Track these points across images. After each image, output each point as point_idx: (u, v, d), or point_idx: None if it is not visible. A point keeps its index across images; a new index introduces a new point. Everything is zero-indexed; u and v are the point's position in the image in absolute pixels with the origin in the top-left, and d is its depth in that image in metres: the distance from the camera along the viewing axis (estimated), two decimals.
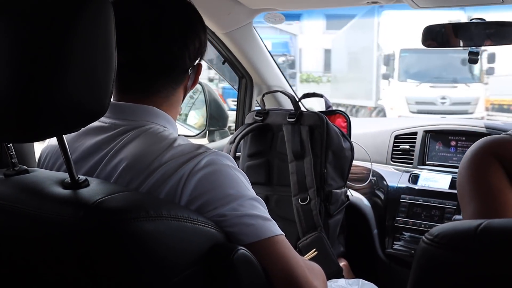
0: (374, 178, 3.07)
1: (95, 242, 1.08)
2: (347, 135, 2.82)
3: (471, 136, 2.96)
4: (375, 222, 2.99)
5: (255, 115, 2.82)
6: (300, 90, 21.84)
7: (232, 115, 3.37)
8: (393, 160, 3.15)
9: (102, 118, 1.39)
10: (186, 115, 3.22)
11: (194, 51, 1.52)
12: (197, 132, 3.11)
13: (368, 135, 3.25)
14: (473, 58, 2.63)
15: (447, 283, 0.89)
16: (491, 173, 1.33)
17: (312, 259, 1.94)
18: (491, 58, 15.43)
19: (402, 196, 2.93)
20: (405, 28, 15.00)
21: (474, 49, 2.60)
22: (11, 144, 1.33)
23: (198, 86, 2.97)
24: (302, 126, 2.62)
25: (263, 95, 2.94)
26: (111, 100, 1.20)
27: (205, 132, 3.09)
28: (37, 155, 1.69)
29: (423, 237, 0.93)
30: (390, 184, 3.01)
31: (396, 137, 3.17)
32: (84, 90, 1.11)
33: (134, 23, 1.43)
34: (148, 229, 1.11)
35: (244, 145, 2.84)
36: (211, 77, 12.05)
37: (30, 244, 1.17)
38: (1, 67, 1.07)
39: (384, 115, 16.60)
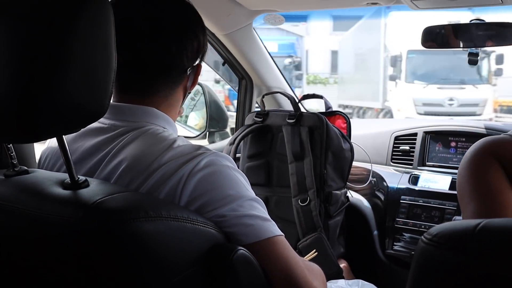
0: (374, 179, 3.06)
1: (94, 242, 1.08)
2: (347, 136, 2.82)
3: (471, 137, 2.96)
4: (375, 223, 2.99)
5: (255, 116, 2.82)
6: (307, 91, 21.78)
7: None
8: (393, 161, 3.15)
9: (102, 119, 1.40)
10: (187, 117, 3.22)
11: (192, 51, 1.52)
12: (198, 133, 3.11)
13: (368, 136, 3.25)
14: (473, 59, 2.63)
15: (446, 283, 0.89)
16: (491, 174, 1.33)
17: (312, 260, 1.94)
18: (500, 59, 15.38)
19: (402, 197, 2.93)
20: (412, 29, 14.94)
21: (473, 50, 2.60)
22: (11, 144, 1.33)
23: (198, 87, 2.98)
24: (302, 127, 2.62)
25: (263, 96, 2.95)
26: (111, 101, 1.20)
27: (205, 133, 3.09)
28: (37, 156, 1.69)
29: (422, 237, 0.94)
30: (390, 185, 3.01)
31: (396, 138, 3.17)
32: (84, 91, 1.11)
33: (132, 23, 1.43)
34: (147, 229, 1.11)
35: (244, 146, 2.84)
36: (218, 79, 12.08)
37: (30, 245, 1.18)
38: (1, 68, 1.07)
39: (391, 117, 16.51)
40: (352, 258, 2.78)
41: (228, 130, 3.40)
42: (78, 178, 1.19)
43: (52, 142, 1.60)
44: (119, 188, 1.25)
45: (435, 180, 2.93)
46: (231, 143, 2.74)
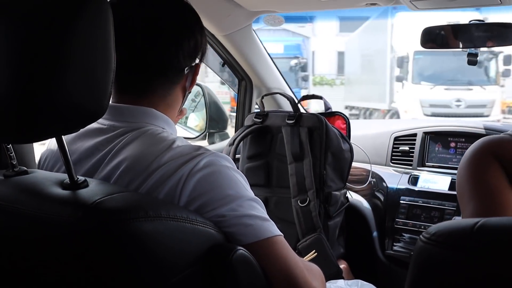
0: (374, 179, 3.07)
1: (94, 242, 1.08)
2: (347, 136, 2.82)
3: (470, 137, 2.97)
4: (375, 223, 2.99)
5: (255, 117, 2.82)
6: (313, 93, 21.69)
7: None
8: (392, 161, 3.15)
9: (101, 120, 1.41)
10: (187, 118, 3.22)
11: (189, 50, 1.51)
12: (198, 134, 3.11)
13: (368, 137, 3.26)
14: (472, 60, 2.62)
15: (444, 281, 0.90)
16: (490, 173, 1.33)
17: (311, 260, 1.93)
18: (508, 60, 15.28)
19: (402, 197, 2.93)
20: (419, 30, 14.80)
21: (473, 50, 2.60)
22: (10, 145, 1.33)
23: (198, 89, 2.98)
24: (301, 128, 2.62)
25: (262, 97, 2.96)
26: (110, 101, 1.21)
27: (205, 134, 3.10)
28: (36, 157, 1.70)
29: (420, 236, 0.94)
30: (389, 185, 3.01)
31: (396, 138, 3.18)
32: (83, 91, 1.11)
33: (129, 23, 1.43)
34: (147, 229, 1.11)
35: (244, 147, 2.84)
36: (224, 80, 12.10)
37: (30, 245, 1.18)
38: (1, 68, 1.08)
39: (398, 118, 16.46)
40: (352, 259, 2.78)
41: (228, 130, 3.40)
42: (78, 178, 1.19)
43: (51, 144, 1.61)
44: (119, 188, 1.25)
45: (434, 181, 2.93)
46: (231, 144, 2.74)
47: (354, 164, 2.80)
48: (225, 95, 14.62)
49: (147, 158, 1.34)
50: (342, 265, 2.61)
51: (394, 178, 3.05)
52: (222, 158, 1.38)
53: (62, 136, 1.17)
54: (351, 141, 2.79)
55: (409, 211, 2.88)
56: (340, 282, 2.20)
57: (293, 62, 18.90)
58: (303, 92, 18.45)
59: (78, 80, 1.10)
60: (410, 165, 3.09)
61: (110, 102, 1.29)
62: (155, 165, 1.32)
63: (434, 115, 15.31)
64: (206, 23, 2.72)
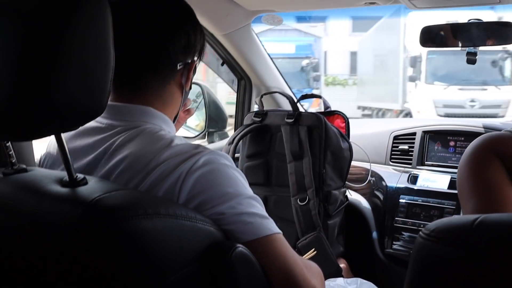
0: (373, 178, 3.07)
1: (93, 240, 1.08)
2: (346, 135, 2.81)
3: (469, 136, 2.96)
4: (374, 222, 2.99)
5: (254, 116, 2.82)
6: (325, 93, 21.60)
7: None
8: (392, 160, 3.15)
9: (99, 119, 1.42)
10: None
11: (180, 46, 1.51)
12: (197, 133, 3.12)
13: (367, 136, 3.26)
14: (471, 59, 2.62)
15: (444, 278, 0.90)
16: (491, 170, 1.33)
17: (311, 259, 1.93)
18: None
19: (401, 196, 2.93)
20: None
21: (472, 49, 2.60)
22: (9, 143, 1.34)
23: (198, 88, 2.99)
24: (301, 127, 2.62)
25: (262, 96, 2.95)
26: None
27: (205, 134, 3.11)
28: (35, 155, 1.70)
29: (420, 232, 0.94)
30: (389, 184, 3.01)
31: (395, 137, 3.17)
32: (83, 89, 1.11)
33: (121, 20, 1.40)
34: (146, 227, 1.11)
35: (243, 146, 2.84)
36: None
37: (29, 242, 1.18)
38: (0, 66, 1.08)
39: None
40: (351, 258, 2.77)
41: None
42: (77, 176, 1.19)
43: (50, 146, 1.62)
44: (118, 186, 1.25)
45: (434, 180, 2.93)
46: (230, 143, 2.74)
47: (353, 163, 2.80)
48: (234, 95, 14.61)
49: (146, 156, 1.34)
50: (342, 264, 2.61)
51: (394, 177, 3.04)
52: (221, 156, 1.39)
53: (61, 134, 1.17)
54: (350, 140, 2.78)
55: (409, 210, 2.88)
56: (340, 280, 2.20)
57: (305, 62, 18.82)
58: (315, 93, 18.44)
59: (77, 78, 1.10)
60: (410, 164, 3.08)
61: None
62: (154, 163, 1.32)
63: (447, 115, 15.08)
64: (205, 23, 2.73)
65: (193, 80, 1.67)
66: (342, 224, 2.80)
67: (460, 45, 2.63)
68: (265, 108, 2.87)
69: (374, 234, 2.98)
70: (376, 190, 3.05)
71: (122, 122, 1.46)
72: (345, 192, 2.81)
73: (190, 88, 1.65)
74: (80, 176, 1.20)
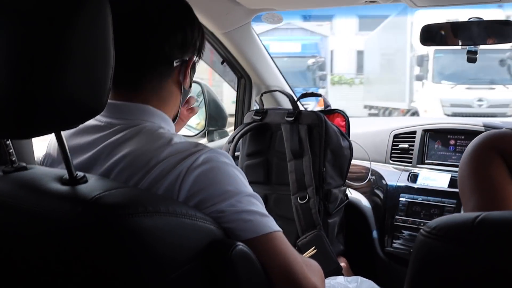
0: (373, 177, 3.07)
1: (93, 238, 1.08)
2: (346, 134, 2.82)
3: (470, 134, 2.96)
4: (374, 221, 2.99)
5: (254, 115, 2.82)
6: (331, 92, 21.56)
7: None
8: (392, 159, 3.15)
9: (98, 117, 1.42)
10: None
11: (176, 43, 1.51)
12: (197, 132, 3.12)
13: (367, 134, 3.25)
14: (472, 57, 2.62)
15: (445, 275, 0.90)
16: (493, 168, 1.32)
17: (311, 257, 1.93)
18: None
19: (401, 195, 2.93)
20: None
21: (472, 48, 2.59)
22: (9, 141, 1.34)
23: (198, 87, 2.99)
24: (301, 125, 2.62)
25: (262, 95, 2.96)
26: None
27: (205, 132, 3.11)
28: (35, 152, 1.70)
29: (421, 230, 0.94)
30: (389, 183, 3.01)
31: (395, 136, 3.17)
32: (83, 87, 1.11)
33: (115, 17, 1.43)
34: (146, 224, 1.11)
35: (243, 145, 2.84)
36: None
37: (29, 240, 1.18)
38: (0, 64, 1.07)
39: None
40: (351, 256, 2.78)
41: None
42: (77, 174, 1.19)
43: (50, 147, 1.62)
44: (118, 184, 1.25)
45: (434, 178, 2.93)
46: (230, 141, 2.74)
47: (353, 161, 2.80)
48: None
49: (146, 154, 1.34)
50: (342, 263, 2.61)
51: (394, 175, 3.04)
52: (220, 155, 1.39)
53: (61, 132, 1.17)
54: (350, 139, 2.78)
55: (409, 209, 2.88)
56: (340, 278, 2.20)
57: (311, 61, 18.73)
58: (321, 92, 18.40)
59: (78, 76, 1.10)
60: (410, 162, 3.08)
61: None
62: (153, 161, 1.32)
63: (455, 114, 14.92)
64: (205, 21, 2.73)
65: (193, 79, 1.67)
66: (342, 223, 2.80)
67: (460, 43, 2.63)
68: (265, 107, 2.87)
69: (374, 233, 2.97)
70: (376, 188, 3.05)
71: (121, 120, 1.46)
72: (345, 190, 2.81)
73: (190, 86, 1.65)
74: (80, 174, 1.20)
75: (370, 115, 20.19)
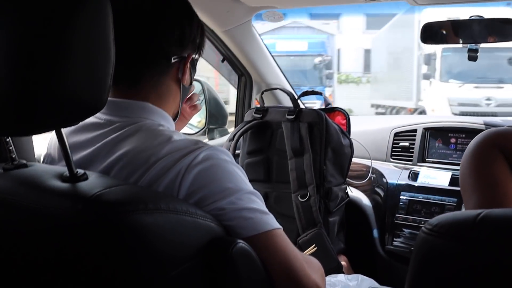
0: (374, 175, 3.07)
1: (93, 235, 1.08)
2: (347, 132, 2.81)
3: (470, 133, 2.96)
4: (375, 219, 2.99)
5: (254, 113, 2.82)
6: (338, 91, 21.54)
7: None
8: (392, 157, 3.15)
9: (98, 114, 1.42)
10: None
11: (173, 39, 1.50)
12: (197, 130, 3.10)
13: (368, 133, 3.26)
14: (472, 55, 2.61)
15: (446, 272, 0.90)
16: (494, 165, 1.31)
17: (312, 255, 1.94)
18: None
19: (402, 193, 2.93)
20: None
21: (473, 46, 2.59)
22: (10, 138, 1.33)
23: (198, 85, 2.99)
24: (302, 123, 2.61)
25: (262, 93, 2.95)
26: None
27: (205, 130, 3.10)
28: (36, 150, 1.70)
29: (422, 228, 0.94)
30: (389, 181, 3.01)
31: (396, 134, 3.17)
32: (83, 84, 1.11)
33: (113, 13, 1.43)
34: (146, 222, 1.11)
35: (244, 143, 2.84)
36: None
37: (29, 237, 1.17)
38: (0, 60, 1.07)
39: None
40: (352, 254, 2.78)
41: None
42: (77, 171, 1.19)
43: (50, 147, 1.62)
44: (118, 181, 1.24)
45: (434, 176, 2.93)
46: (231, 139, 2.74)
47: (354, 159, 2.80)
48: None
49: (146, 152, 1.34)
50: (342, 261, 2.61)
51: (394, 173, 3.04)
52: (220, 152, 1.38)
53: (61, 129, 1.17)
54: (351, 137, 2.78)
55: (409, 207, 2.88)
56: (341, 276, 2.19)
57: (317, 59, 18.70)
58: (327, 91, 18.36)
59: (78, 72, 1.10)
60: (410, 160, 3.08)
61: None
62: (153, 158, 1.32)
63: (463, 113, 14.83)
64: (205, 19, 2.73)
65: (195, 77, 1.66)
66: (342, 221, 2.80)
67: (461, 42, 2.62)
68: (265, 105, 2.87)
69: (375, 231, 2.98)
70: (377, 187, 3.05)
71: (121, 118, 1.46)
72: (345, 189, 2.81)
73: (191, 83, 1.64)
74: (80, 171, 1.20)
75: (377, 114, 20.15)
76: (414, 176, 2.98)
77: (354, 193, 3.04)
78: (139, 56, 1.47)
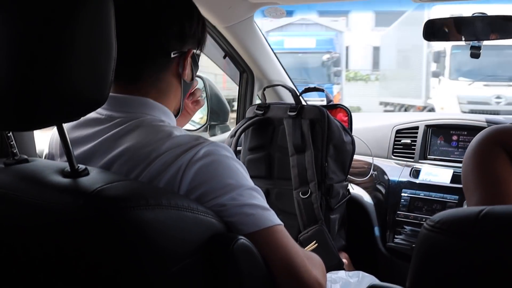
0: (375, 172, 3.07)
1: (94, 230, 1.08)
2: (348, 129, 2.80)
3: (472, 130, 2.95)
4: (376, 216, 2.99)
5: (256, 109, 2.81)
6: (347, 89, 21.48)
7: None
8: (394, 154, 3.14)
9: (99, 110, 1.41)
10: None
11: (172, 35, 1.50)
12: (199, 126, 3.11)
13: (370, 130, 3.25)
14: (475, 53, 2.61)
15: (448, 269, 0.90)
16: (497, 162, 1.31)
17: (313, 252, 1.94)
18: None
19: (403, 190, 2.93)
20: None
21: (476, 43, 2.58)
22: (11, 133, 1.34)
23: (200, 81, 2.99)
24: (303, 120, 2.61)
25: (264, 89, 2.95)
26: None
27: (206, 126, 3.10)
28: (37, 146, 1.71)
29: (425, 224, 0.94)
30: (391, 178, 3.01)
31: (398, 131, 3.17)
32: (85, 79, 1.11)
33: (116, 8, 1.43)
34: (147, 217, 1.11)
35: (245, 139, 2.84)
36: None
37: (30, 232, 1.18)
38: (1, 55, 1.07)
39: None
40: (353, 251, 2.78)
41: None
42: (78, 166, 1.19)
43: (52, 145, 1.62)
44: (119, 176, 1.24)
45: (436, 174, 2.92)
46: (232, 136, 2.74)
47: (355, 156, 2.80)
48: None
49: (146, 147, 1.34)
50: (343, 258, 2.60)
51: (396, 171, 3.04)
52: (221, 148, 1.38)
53: (63, 124, 1.17)
54: (353, 134, 2.78)
55: (411, 204, 2.88)
56: (342, 273, 2.19)
57: (325, 57, 18.60)
58: (336, 88, 18.31)
59: (80, 68, 1.10)
60: (412, 158, 3.08)
61: None
62: (154, 154, 1.32)
63: (472, 112, 14.74)
64: (207, 15, 2.72)
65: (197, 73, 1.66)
66: (344, 218, 2.80)
67: (463, 39, 2.62)
68: (267, 101, 2.87)
69: (376, 228, 2.97)
70: (378, 184, 3.05)
71: (121, 113, 1.46)
72: (347, 186, 2.80)
73: (193, 79, 1.64)
74: (81, 166, 1.20)
75: (386, 111, 20.09)
76: (416, 173, 2.97)
77: (355, 190, 3.03)
78: (138, 51, 1.47)
